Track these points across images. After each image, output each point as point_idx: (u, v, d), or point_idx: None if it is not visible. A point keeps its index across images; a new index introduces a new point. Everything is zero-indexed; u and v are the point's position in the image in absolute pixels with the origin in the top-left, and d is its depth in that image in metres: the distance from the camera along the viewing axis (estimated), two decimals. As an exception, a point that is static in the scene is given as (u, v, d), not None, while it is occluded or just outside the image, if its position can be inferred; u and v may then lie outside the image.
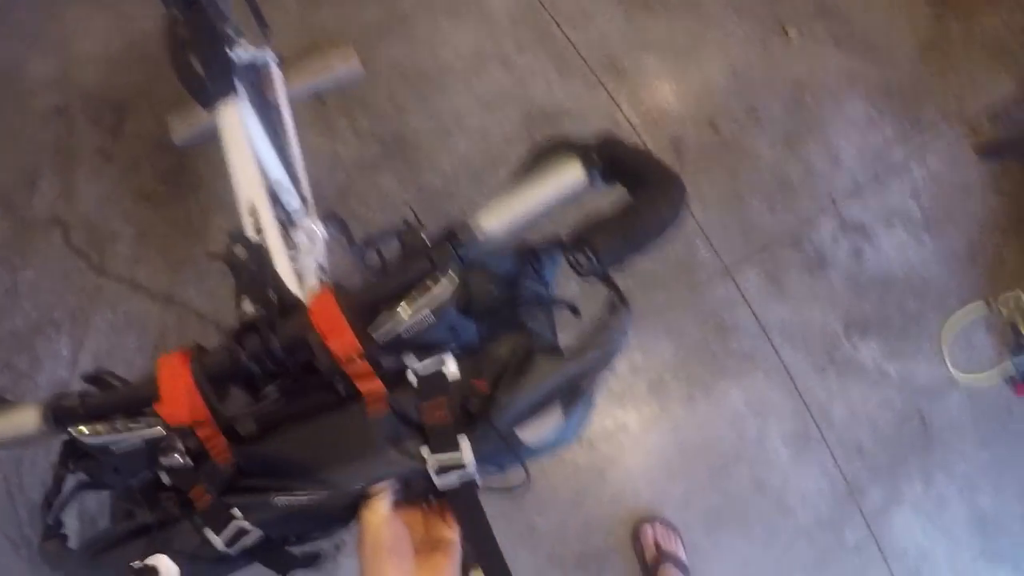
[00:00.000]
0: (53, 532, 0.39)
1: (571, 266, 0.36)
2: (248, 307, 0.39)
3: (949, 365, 1.30)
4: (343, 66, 1.42)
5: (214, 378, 0.37)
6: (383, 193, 1.38)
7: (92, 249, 1.41)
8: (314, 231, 0.90)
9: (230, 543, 0.38)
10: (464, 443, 0.37)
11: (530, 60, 1.47)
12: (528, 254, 0.41)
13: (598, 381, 0.39)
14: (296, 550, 0.41)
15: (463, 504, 0.39)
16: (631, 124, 1.43)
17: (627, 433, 1.25)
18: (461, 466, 0.37)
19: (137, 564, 0.37)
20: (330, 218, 1.01)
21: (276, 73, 1.10)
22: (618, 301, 0.39)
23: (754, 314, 1.31)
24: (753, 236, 1.35)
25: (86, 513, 1.08)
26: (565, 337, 0.42)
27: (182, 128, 1.44)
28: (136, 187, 1.45)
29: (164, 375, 0.36)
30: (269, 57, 1.08)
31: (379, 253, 1.12)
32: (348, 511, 0.39)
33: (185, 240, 1.40)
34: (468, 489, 0.38)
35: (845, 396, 1.28)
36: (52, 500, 0.40)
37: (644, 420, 1.25)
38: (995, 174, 1.41)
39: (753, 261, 1.34)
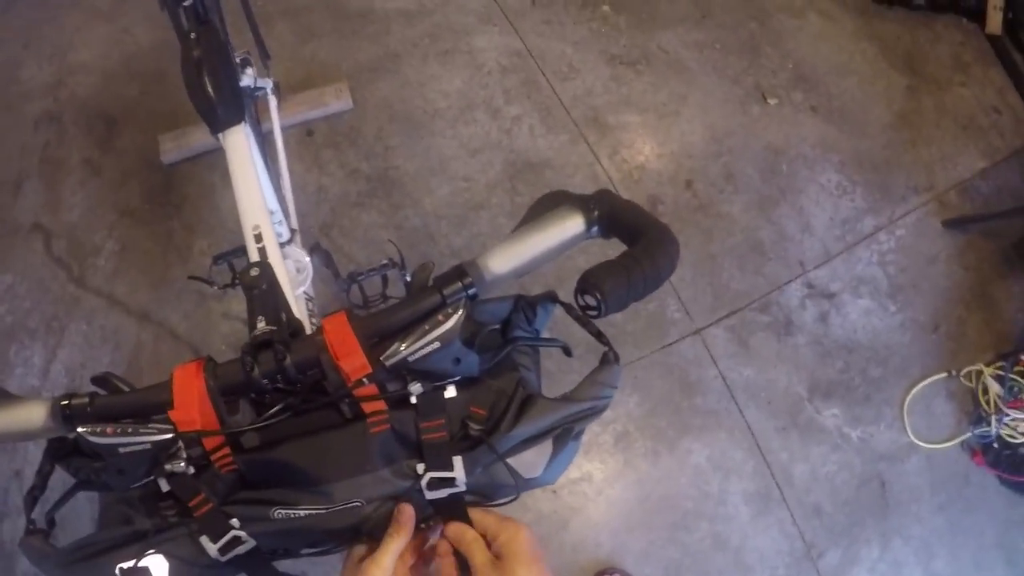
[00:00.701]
0: (37, 528, 0.40)
1: (576, 309, 0.40)
2: (262, 325, 0.42)
3: (909, 432, 1.34)
4: (335, 101, 1.45)
5: (225, 390, 0.39)
6: (366, 228, 1.41)
7: (72, 260, 1.42)
8: (303, 262, 0.91)
9: (223, 551, 0.39)
10: (457, 462, 0.40)
11: (516, 109, 1.51)
12: (524, 304, 0.45)
13: (586, 427, 0.43)
14: (281, 566, 0.44)
15: (450, 510, 0.43)
16: (610, 179, 1.46)
17: (591, 483, 1.27)
18: (452, 481, 0.41)
19: (127, 565, 0.38)
20: (315, 250, 1.02)
21: (272, 103, 1.11)
22: (610, 356, 0.43)
23: (720, 373, 1.33)
24: (723, 297, 1.39)
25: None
26: (549, 377, 0.48)
27: (172, 148, 1.45)
28: (121, 202, 1.46)
29: (179, 383, 0.38)
30: (268, 86, 1.09)
31: (361, 289, 1.11)
32: (341, 534, 0.42)
33: (166, 259, 1.41)
34: (455, 498, 0.42)
35: (806, 457, 1.31)
36: (38, 496, 0.40)
37: (608, 472, 1.27)
38: (960, 247, 1.47)
39: (722, 321, 1.37)
